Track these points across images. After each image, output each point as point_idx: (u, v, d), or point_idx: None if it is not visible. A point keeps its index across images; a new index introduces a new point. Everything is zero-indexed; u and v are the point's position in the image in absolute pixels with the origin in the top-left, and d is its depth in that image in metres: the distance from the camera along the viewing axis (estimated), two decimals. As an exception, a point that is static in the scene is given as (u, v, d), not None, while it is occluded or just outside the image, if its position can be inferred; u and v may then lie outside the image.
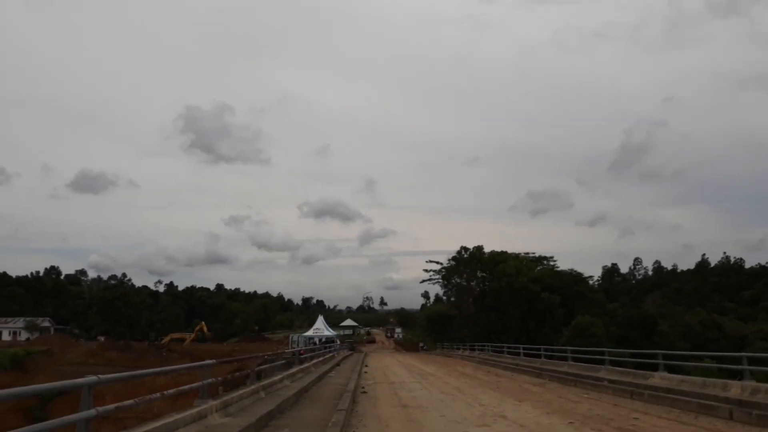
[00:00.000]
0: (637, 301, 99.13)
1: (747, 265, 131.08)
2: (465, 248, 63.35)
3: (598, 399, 14.81)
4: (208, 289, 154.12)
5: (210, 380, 9.69)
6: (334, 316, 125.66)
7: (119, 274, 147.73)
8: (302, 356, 23.48)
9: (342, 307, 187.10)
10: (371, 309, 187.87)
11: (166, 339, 76.87)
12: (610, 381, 16.40)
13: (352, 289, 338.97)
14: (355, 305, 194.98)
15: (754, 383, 11.21)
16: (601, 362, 18.56)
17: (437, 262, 66.15)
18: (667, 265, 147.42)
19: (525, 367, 25.66)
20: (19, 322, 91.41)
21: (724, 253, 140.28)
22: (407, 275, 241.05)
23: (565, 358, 22.48)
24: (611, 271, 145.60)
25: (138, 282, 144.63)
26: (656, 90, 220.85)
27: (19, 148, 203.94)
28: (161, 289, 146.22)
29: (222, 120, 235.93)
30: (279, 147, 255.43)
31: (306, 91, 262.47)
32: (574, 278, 59.54)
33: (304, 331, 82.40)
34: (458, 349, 49.11)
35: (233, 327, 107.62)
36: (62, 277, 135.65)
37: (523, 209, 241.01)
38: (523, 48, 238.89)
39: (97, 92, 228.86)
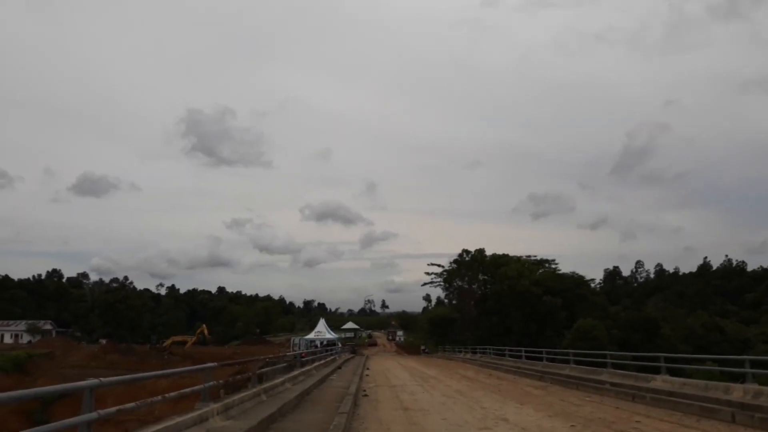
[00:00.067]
0: (639, 304, 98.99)
1: (749, 268, 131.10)
2: (466, 251, 63.38)
3: (600, 402, 14.77)
4: (209, 292, 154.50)
5: (211, 383, 9.69)
6: (335, 319, 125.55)
7: (121, 277, 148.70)
8: (304, 359, 23.50)
9: (343, 310, 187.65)
10: (373, 312, 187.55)
11: (168, 342, 76.82)
12: (612, 384, 16.38)
13: (354, 292, 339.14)
14: (356, 308, 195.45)
15: (756, 386, 11.19)
16: (603, 365, 18.55)
17: (439, 265, 66.15)
18: (669, 268, 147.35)
19: (527, 370, 25.63)
20: (21, 325, 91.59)
21: (726, 256, 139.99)
22: (409, 278, 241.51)
23: (566, 361, 22.47)
24: (613, 274, 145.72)
25: (140, 285, 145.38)
26: (658, 93, 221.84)
27: (21, 152, 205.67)
28: (163, 292, 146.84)
29: (223, 123, 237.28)
30: (280, 150, 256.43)
31: (307, 95, 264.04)
32: (576, 281, 59.35)
33: (306, 334, 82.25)
34: (460, 352, 49.08)
35: (235, 330, 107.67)
36: (64, 280, 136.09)
37: (524, 212, 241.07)
38: (525, 51, 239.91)
39: (99, 95, 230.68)
